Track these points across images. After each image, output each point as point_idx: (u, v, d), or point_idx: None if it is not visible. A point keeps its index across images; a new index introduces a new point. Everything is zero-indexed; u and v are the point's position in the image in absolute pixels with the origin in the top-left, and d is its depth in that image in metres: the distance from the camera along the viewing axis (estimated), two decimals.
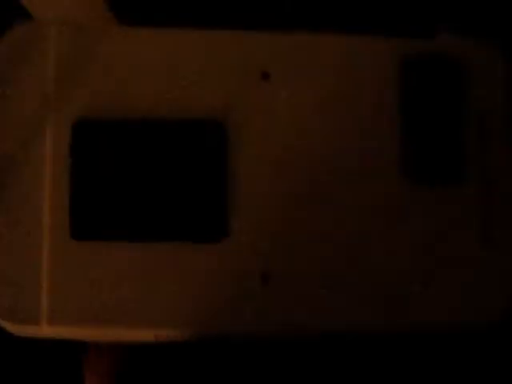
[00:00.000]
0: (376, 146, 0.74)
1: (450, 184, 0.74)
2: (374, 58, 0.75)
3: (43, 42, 0.74)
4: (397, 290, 0.73)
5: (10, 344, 0.83)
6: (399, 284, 0.73)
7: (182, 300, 0.72)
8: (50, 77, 0.74)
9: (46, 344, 0.77)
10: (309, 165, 0.73)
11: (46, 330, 0.72)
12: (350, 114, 0.74)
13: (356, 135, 0.74)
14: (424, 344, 0.79)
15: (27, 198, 0.73)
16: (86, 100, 0.73)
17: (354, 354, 0.80)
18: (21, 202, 0.73)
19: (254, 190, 0.73)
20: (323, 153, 0.74)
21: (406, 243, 0.74)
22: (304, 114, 0.74)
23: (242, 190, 0.73)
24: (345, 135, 0.74)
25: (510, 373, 0.79)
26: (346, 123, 0.74)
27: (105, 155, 0.73)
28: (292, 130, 0.74)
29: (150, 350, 0.81)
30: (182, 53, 0.75)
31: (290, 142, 0.74)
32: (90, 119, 0.73)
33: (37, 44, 0.74)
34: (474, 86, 0.75)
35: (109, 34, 0.75)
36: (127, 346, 0.79)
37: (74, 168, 0.73)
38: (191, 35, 0.75)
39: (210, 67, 0.74)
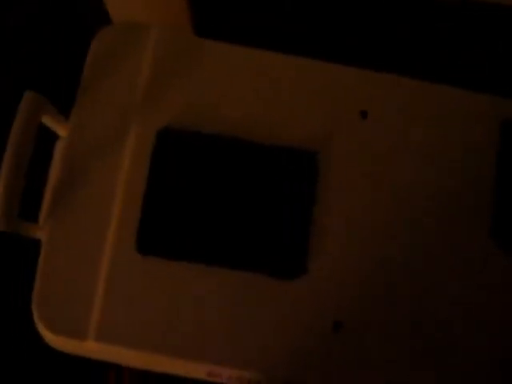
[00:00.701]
0: (468, 205, 0.70)
1: None
2: (475, 114, 0.72)
3: (140, 43, 0.70)
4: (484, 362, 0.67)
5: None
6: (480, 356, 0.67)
7: (245, 337, 0.65)
8: (142, 80, 0.70)
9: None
10: (398, 211, 0.69)
11: (90, 347, 0.65)
12: (445, 165, 0.70)
13: (449, 188, 0.70)
14: None
15: (97, 202, 0.67)
16: (177, 109, 0.69)
17: None
18: (89, 207, 0.67)
19: (339, 229, 0.68)
20: (414, 200, 0.69)
21: (488, 311, 0.69)
22: (398, 158, 0.70)
23: (327, 228, 0.68)
24: (438, 185, 0.70)
25: None
26: (440, 174, 0.70)
27: (187, 169, 0.68)
28: (384, 172, 0.70)
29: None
30: (284, 78, 0.71)
31: (380, 185, 0.69)
32: (178, 129, 0.68)
33: (132, 45, 0.70)
34: None
35: (210, 47, 0.71)
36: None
37: (151, 177, 0.68)
38: (295, 61, 0.71)
39: (310, 97, 0.70)
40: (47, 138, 0.72)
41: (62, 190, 0.68)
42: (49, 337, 0.66)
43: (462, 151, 0.71)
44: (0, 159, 0.65)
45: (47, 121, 0.69)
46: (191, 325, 0.66)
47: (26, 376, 0.85)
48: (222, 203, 0.68)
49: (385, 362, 0.66)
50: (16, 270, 0.85)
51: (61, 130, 0.71)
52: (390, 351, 0.66)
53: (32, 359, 0.84)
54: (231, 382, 0.66)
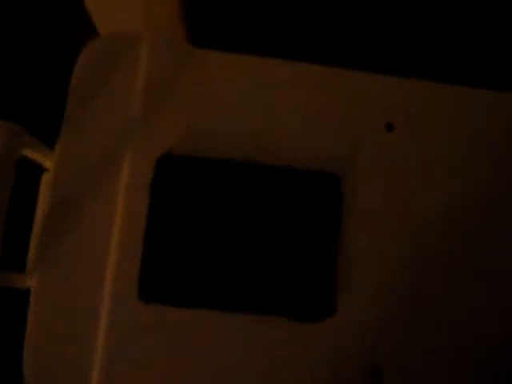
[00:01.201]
0: (503, 218, 0.62)
1: None
2: (506, 114, 0.64)
3: (131, 57, 0.61)
4: None
5: None
6: None
7: None
8: (136, 99, 0.61)
9: None
10: (431, 236, 0.60)
11: None
12: (479, 174, 0.62)
13: (486, 196, 0.61)
14: None
15: (91, 244, 0.58)
16: (178, 131, 0.60)
17: None
18: (83, 250, 0.58)
19: (369, 261, 0.59)
20: (449, 222, 0.60)
21: None
22: (428, 175, 0.62)
23: (355, 261, 0.59)
24: (473, 197, 0.61)
25: None
26: (476, 185, 0.62)
27: (192, 201, 0.59)
28: (414, 192, 0.61)
29: None
30: (295, 89, 0.61)
31: (412, 206, 0.61)
32: (180, 155, 0.59)
33: (123, 60, 0.61)
34: None
35: (210, 57, 0.62)
36: None
37: (151, 212, 0.59)
38: (306, 68, 0.62)
39: (327, 110, 0.61)
40: (32, 171, 0.63)
41: (51, 230, 0.60)
42: None
43: (496, 155, 0.63)
44: None
45: (29, 153, 0.60)
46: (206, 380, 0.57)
47: None
48: (234, 239, 0.59)
49: None
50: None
51: (46, 162, 0.62)
52: None
53: None
54: None
